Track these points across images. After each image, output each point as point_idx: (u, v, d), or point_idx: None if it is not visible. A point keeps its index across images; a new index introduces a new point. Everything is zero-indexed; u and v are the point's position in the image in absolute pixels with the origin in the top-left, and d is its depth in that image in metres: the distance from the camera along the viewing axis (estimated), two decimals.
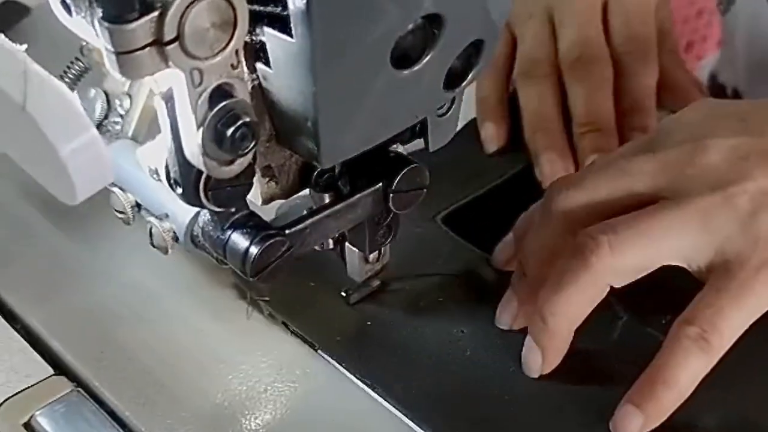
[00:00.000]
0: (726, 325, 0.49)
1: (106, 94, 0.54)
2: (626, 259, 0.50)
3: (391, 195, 0.50)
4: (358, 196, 0.49)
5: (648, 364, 0.51)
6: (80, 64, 0.56)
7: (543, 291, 0.52)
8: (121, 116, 0.54)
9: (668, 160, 0.52)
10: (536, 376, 0.53)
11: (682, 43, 1.43)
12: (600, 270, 0.50)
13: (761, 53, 0.89)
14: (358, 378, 0.54)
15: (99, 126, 0.54)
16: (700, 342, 0.49)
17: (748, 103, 0.56)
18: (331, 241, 0.54)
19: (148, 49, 0.37)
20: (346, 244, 0.54)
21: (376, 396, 0.53)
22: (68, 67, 0.56)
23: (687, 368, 0.49)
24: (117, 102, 0.54)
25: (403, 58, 0.43)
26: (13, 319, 0.57)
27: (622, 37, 0.70)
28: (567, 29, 0.70)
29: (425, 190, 0.51)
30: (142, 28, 0.36)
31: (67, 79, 0.55)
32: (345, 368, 0.54)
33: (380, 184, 0.49)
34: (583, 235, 0.51)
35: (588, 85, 0.68)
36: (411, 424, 0.52)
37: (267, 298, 0.57)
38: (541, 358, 0.53)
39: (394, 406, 0.52)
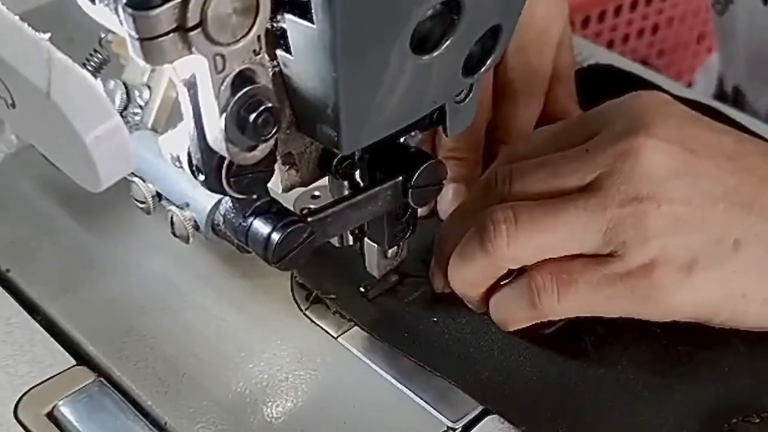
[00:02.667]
0: (565, 298, 0.51)
1: (126, 86, 0.54)
2: (521, 251, 0.51)
3: (410, 190, 0.50)
4: (377, 188, 0.49)
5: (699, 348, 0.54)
6: (99, 55, 0.56)
7: (452, 257, 0.54)
8: (141, 107, 0.54)
9: (599, 161, 0.52)
10: (478, 312, 0.56)
11: (692, 35, 1.43)
12: (495, 257, 0.52)
13: (759, 51, 0.89)
14: (434, 371, 0.53)
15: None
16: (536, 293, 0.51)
17: (689, 113, 0.55)
18: (351, 238, 0.54)
19: (171, 35, 0.37)
20: (365, 239, 0.54)
21: (396, 383, 0.54)
22: (87, 59, 0.56)
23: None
24: (136, 93, 0.54)
25: (422, 44, 0.43)
26: (35, 311, 0.58)
27: (512, 65, 0.66)
28: None
29: (444, 185, 0.52)
30: (165, 14, 0.36)
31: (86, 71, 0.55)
32: (418, 362, 0.54)
33: (400, 177, 0.50)
34: (487, 217, 0.52)
35: None
36: (431, 410, 0.52)
37: (333, 296, 0.57)
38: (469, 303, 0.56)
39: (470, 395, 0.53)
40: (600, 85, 0.74)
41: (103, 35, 0.56)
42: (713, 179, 0.51)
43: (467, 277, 0.54)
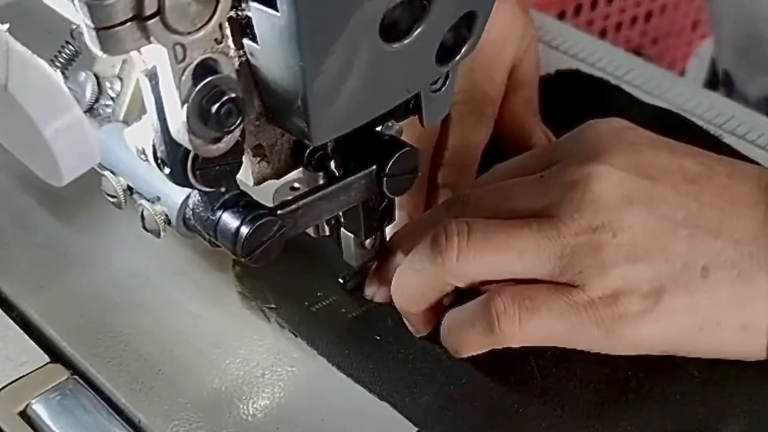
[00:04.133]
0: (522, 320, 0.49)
1: (97, 77, 0.53)
2: (470, 268, 0.50)
3: (384, 179, 0.49)
4: (350, 178, 0.48)
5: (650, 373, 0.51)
6: (71, 47, 0.55)
7: (400, 267, 0.52)
8: (112, 99, 0.53)
9: (550, 189, 0.50)
10: (417, 336, 0.54)
11: (686, 22, 1.42)
12: (444, 270, 0.50)
13: (746, 34, 0.88)
14: (373, 393, 0.52)
15: (90, 109, 0.53)
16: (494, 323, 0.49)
17: (647, 137, 0.53)
18: (327, 228, 0.53)
19: (128, 24, 0.36)
20: (342, 229, 0.53)
21: None
22: (59, 52, 0.55)
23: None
24: (108, 85, 0.53)
25: (393, 30, 0.42)
26: (8, 308, 0.57)
27: (461, 88, 0.63)
28: None
29: (419, 173, 0.51)
30: (121, 2, 0.35)
31: (57, 63, 0.55)
32: (358, 382, 0.52)
33: (373, 166, 0.49)
34: (442, 228, 0.50)
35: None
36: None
37: (274, 306, 0.56)
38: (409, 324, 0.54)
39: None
40: (567, 91, 0.72)
41: (74, 27, 0.55)
42: (673, 205, 0.50)
43: (411, 289, 0.52)
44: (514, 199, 0.51)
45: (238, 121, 0.40)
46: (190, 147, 0.40)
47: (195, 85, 0.38)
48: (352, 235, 0.53)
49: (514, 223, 0.50)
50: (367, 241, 0.53)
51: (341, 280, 0.56)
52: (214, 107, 0.39)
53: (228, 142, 0.41)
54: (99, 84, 0.54)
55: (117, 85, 0.53)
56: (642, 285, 0.48)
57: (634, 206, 0.49)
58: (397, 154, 0.48)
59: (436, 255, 0.49)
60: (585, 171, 0.50)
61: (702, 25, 1.43)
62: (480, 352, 0.51)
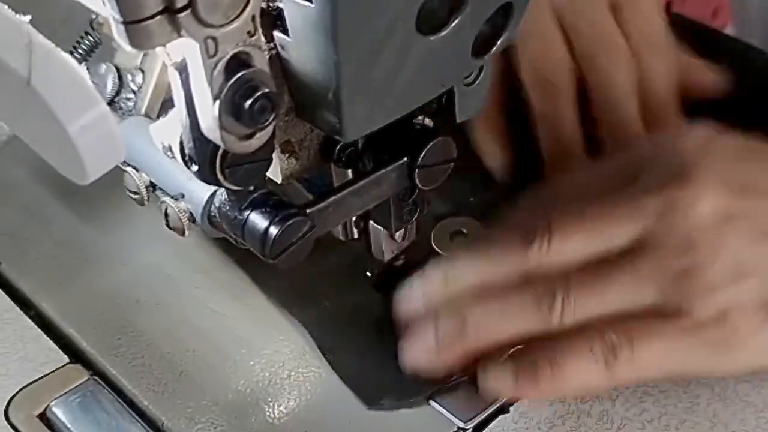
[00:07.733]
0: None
1: (118, 69, 0.52)
2: (574, 320, 0.49)
3: (416, 170, 0.47)
4: (381, 171, 0.47)
5: None
6: (90, 38, 0.54)
7: (484, 306, 0.50)
8: (134, 92, 0.52)
9: (646, 211, 0.50)
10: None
11: (707, 11, 1.40)
12: (549, 327, 0.49)
13: None
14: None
15: (111, 102, 0.52)
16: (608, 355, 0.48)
17: (739, 145, 0.53)
18: (356, 231, 0.52)
19: (158, 17, 0.34)
20: (370, 222, 0.52)
21: None
22: (78, 42, 0.54)
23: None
24: (129, 77, 0.52)
25: (429, 23, 0.40)
26: (27, 306, 0.56)
27: (641, 36, 0.62)
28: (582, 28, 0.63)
29: (453, 164, 0.49)
30: None
31: (77, 54, 0.53)
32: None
33: (405, 159, 0.47)
34: (547, 290, 0.49)
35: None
36: (441, 409, 0.50)
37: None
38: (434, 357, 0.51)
39: None
40: None
41: (94, 17, 0.53)
42: None
43: (505, 332, 0.50)
44: (606, 229, 0.50)
45: (272, 117, 0.38)
46: (221, 144, 0.38)
47: (227, 79, 0.37)
48: (382, 229, 0.51)
49: (605, 273, 0.49)
50: (397, 234, 0.52)
51: (369, 274, 0.55)
52: (247, 103, 0.37)
53: (261, 138, 0.39)
54: (120, 76, 0.52)
55: (139, 78, 0.52)
56: (750, 301, 0.49)
57: (730, 224, 0.49)
58: (430, 145, 0.47)
59: (547, 314, 0.49)
60: (682, 190, 0.49)
61: (723, 13, 1.41)
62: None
